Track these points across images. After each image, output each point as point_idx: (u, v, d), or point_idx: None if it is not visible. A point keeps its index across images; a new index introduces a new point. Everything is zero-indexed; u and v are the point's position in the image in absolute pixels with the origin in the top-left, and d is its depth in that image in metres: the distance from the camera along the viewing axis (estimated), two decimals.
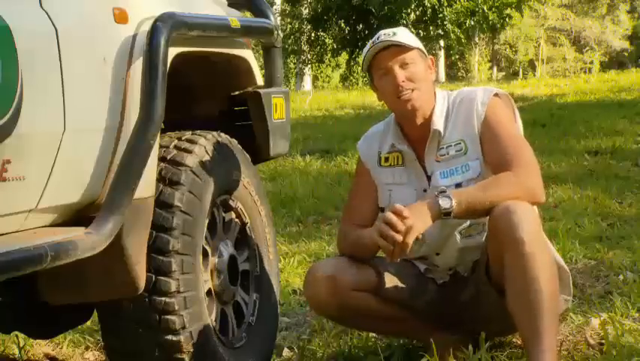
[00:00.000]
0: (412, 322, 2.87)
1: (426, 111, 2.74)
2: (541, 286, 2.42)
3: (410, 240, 2.47)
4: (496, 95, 2.74)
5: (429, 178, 2.76)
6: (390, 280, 2.81)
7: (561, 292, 2.75)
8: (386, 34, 2.72)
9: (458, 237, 2.75)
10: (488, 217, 2.56)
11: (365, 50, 2.76)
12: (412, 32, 2.92)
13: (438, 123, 2.73)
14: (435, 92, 2.78)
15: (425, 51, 2.79)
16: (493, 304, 2.69)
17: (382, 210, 2.85)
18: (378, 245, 2.58)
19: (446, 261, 2.83)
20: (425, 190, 2.76)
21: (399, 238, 2.47)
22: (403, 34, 2.73)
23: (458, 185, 2.68)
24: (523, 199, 2.51)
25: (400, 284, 2.82)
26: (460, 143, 2.72)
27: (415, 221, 2.47)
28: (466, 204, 2.51)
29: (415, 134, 2.79)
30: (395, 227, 2.47)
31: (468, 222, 2.72)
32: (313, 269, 2.81)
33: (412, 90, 2.69)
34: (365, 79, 24.61)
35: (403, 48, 2.70)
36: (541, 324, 2.41)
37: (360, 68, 26.15)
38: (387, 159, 2.84)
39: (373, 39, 2.74)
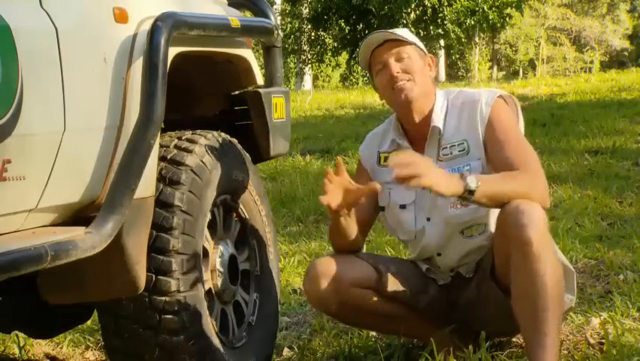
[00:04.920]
0: (412, 320, 2.86)
1: (423, 106, 2.74)
2: (547, 288, 2.42)
3: (422, 183, 2.38)
4: (500, 97, 2.73)
5: None
6: (392, 279, 2.81)
7: (566, 292, 2.75)
8: (384, 31, 2.76)
9: (460, 237, 2.75)
10: (497, 217, 2.57)
11: (362, 46, 2.78)
12: (412, 32, 2.93)
13: (437, 121, 2.74)
14: (435, 92, 2.79)
15: (424, 49, 2.80)
16: (493, 305, 2.69)
17: (383, 208, 2.86)
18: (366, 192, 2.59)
19: (447, 262, 2.83)
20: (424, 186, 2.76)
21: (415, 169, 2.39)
22: (399, 31, 2.77)
23: None
24: (534, 201, 2.51)
25: (402, 282, 2.82)
26: (462, 143, 2.71)
27: (434, 177, 2.41)
28: (488, 189, 2.48)
29: (415, 132, 2.79)
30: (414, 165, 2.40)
31: (469, 221, 2.72)
32: (314, 265, 2.80)
33: (407, 81, 2.70)
34: (365, 78, 24.62)
35: (398, 42, 2.73)
36: (545, 325, 2.41)
37: (360, 68, 26.19)
38: (386, 159, 2.83)
39: (368, 37, 2.77)
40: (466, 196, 2.46)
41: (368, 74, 2.85)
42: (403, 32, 2.77)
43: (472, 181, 2.45)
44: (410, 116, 2.75)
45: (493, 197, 2.50)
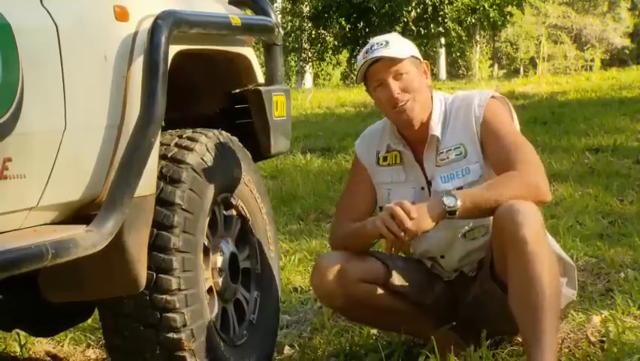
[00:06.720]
0: (415, 317, 2.87)
1: (422, 116, 2.75)
2: (543, 286, 2.42)
3: (410, 238, 2.53)
4: (492, 97, 2.74)
5: (429, 183, 2.77)
6: (399, 274, 2.82)
7: (570, 287, 2.76)
8: (378, 44, 2.71)
9: (462, 240, 2.75)
10: (493, 217, 2.57)
11: (358, 60, 2.75)
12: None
13: (435, 129, 2.74)
14: (432, 97, 2.78)
15: (419, 56, 2.78)
16: (497, 303, 2.70)
17: (381, 209, 2.86)
18: (377, 236, 2.63)
19: (451, 263, 2.83)
20: (423, 188, 2.77)
21: (400, 235, 2.50)
22: (395, 43, 2.72)
23: (459, 189, 2.67)
24: (528, 198, 2.52)
25: (408, 278, 2.83)
26: (459, 147, 2.72)
27: (419, 222, 2.51)
28: (471, 203, 2.52)
29: (413, 137, 2.80)
30: (402, 223, 2.49)
31: (471, 224, 2.72)
32: (322, 260, 2.81)
33: (407, 101, 2.69)
34: None
35: (395, 59, 2.69)
36: (542, 324, 2.41)
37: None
38: (385, 158, 2.84)
39: (366, 48, 2.73)
40: (449, 217, 2.51)
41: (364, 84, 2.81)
42: (397, 45, 2.71)
43: (451, 201, 2.50)
44: (410, 127, 2.76)
45: (478, 208, 2.54)
